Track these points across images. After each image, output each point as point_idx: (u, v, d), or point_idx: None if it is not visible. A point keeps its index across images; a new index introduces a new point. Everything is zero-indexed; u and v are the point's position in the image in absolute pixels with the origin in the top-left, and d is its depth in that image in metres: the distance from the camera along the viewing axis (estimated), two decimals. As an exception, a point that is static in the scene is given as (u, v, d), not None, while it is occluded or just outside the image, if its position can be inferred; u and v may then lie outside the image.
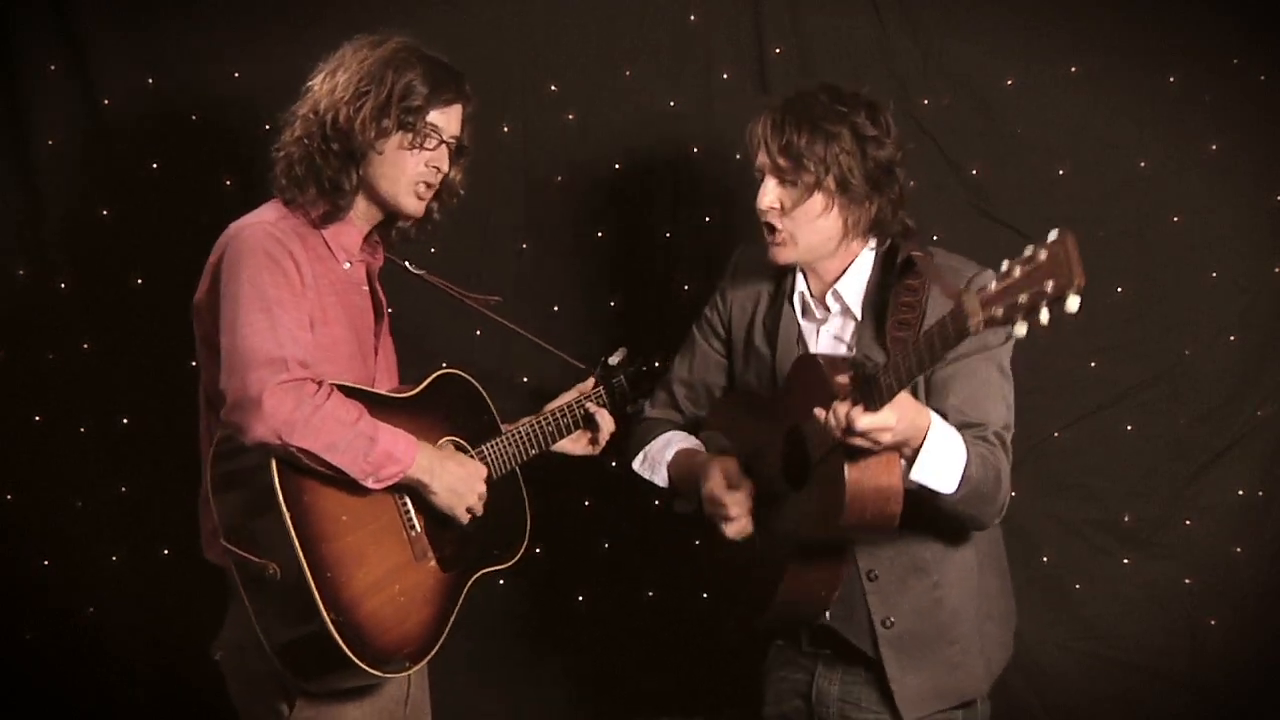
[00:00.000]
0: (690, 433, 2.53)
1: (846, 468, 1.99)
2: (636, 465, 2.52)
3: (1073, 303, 1.59)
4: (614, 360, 2.70)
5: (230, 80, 3.03)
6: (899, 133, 2.28)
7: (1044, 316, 1.63)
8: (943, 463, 2.03)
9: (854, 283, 2.30)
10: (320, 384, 2.08)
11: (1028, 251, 1.66)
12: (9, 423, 3.11)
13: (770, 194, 2.24)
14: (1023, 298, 1.64)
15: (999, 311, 1.67)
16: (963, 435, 2.08)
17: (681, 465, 2.44)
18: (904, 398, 1.94)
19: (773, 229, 2.27)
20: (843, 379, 1.97)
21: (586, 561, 3.19)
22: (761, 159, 2.25)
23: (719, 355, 2.52)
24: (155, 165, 3.06)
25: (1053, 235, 1.62)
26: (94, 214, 3.07)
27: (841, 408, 1.93)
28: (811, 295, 2.35)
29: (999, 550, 2.39)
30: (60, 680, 3.16)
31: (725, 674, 3.06)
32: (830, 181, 2.19)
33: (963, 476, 2.05)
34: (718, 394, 2.53)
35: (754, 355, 2.43)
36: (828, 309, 2.33)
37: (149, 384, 3.07)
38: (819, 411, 1.98)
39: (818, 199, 2.21)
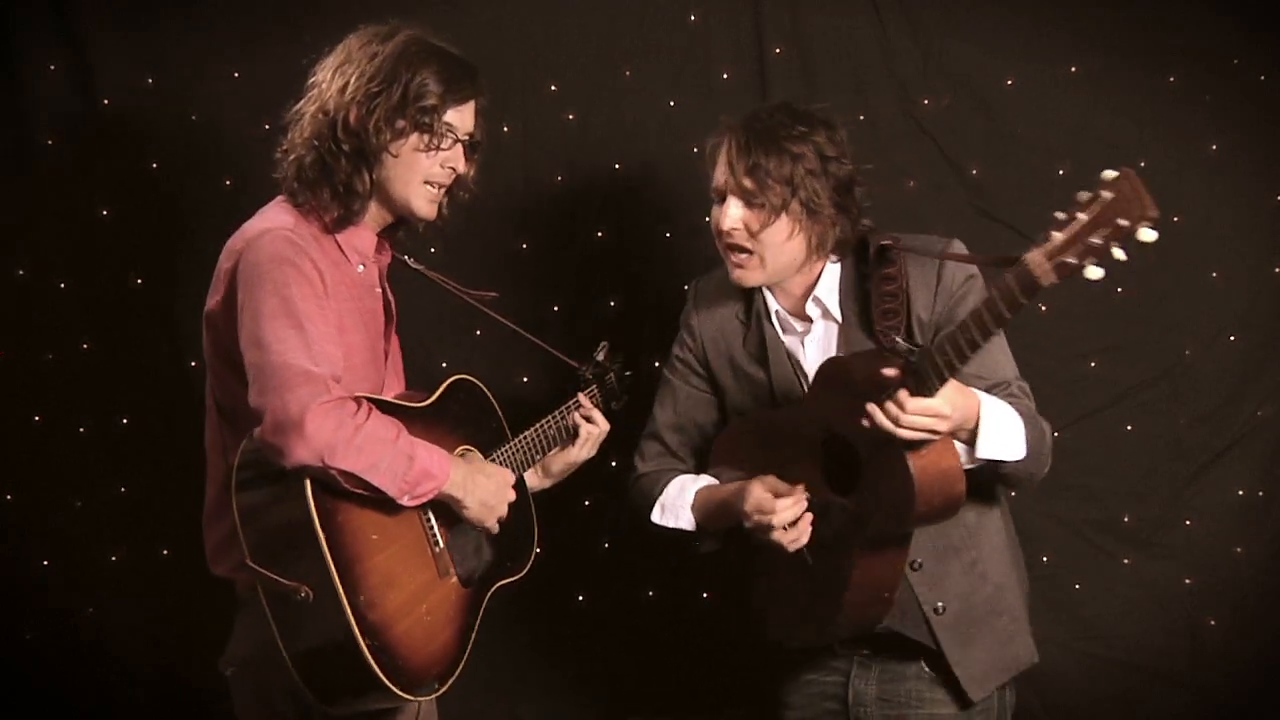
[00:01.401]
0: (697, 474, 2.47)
1: (909, 458, 1.98)
2: (655, 518, 2.44)
3: (1147, 234, 1.59)
4: (600, 356, 2.64)
5: (230, 80, 3.03)
6: (854, 150, 2.25)
7: (1119, 254, 1.62)
8: (1005, 433, 2.06)
9: (829, 287, 2.29)
10: (360, 402, 2.00)
11: (1084, 196, 1.64)
12: (9, 423, 3.11)
13: (734, 216, 2.21)
14: (1095, 239, 1.62)
15: (1071, 258, 1.65)
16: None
17: (706, 503, 2.37)
18: (950, 385, 1.93)
19: (739, 250, 2.23)
20: (891, 371, 1.94)
21: (586, 561, 3.18)
22: (724, 180, 2.21)
23: (702, 392, 2.47)
24: (155, 165, 3.06)
25: (1111, 174, 1.62)
26: (93, 214, 3.07)
27: (897, 400, 1.92)
28: (787, 312, 2.33)
29: (1011, 521, 2.40)
30: (60, 680, 3.16)
31: (725, 674, 3.06)
32: (796, 204, 2.18)
33: (1025, 439, 2.08)
34: (710, 430, 2.48)
35: (745, 381, 2.39)
36: (808, 319, 2.31)
37: (149, 384, 3.07)
38: (871, 408, 1.96)
39: (784, 221, 2.19)
